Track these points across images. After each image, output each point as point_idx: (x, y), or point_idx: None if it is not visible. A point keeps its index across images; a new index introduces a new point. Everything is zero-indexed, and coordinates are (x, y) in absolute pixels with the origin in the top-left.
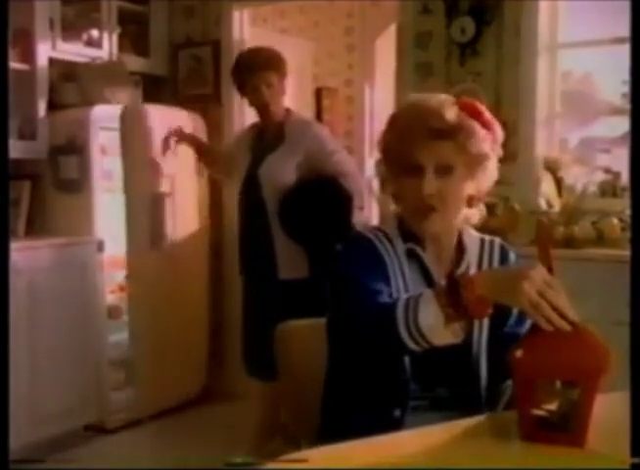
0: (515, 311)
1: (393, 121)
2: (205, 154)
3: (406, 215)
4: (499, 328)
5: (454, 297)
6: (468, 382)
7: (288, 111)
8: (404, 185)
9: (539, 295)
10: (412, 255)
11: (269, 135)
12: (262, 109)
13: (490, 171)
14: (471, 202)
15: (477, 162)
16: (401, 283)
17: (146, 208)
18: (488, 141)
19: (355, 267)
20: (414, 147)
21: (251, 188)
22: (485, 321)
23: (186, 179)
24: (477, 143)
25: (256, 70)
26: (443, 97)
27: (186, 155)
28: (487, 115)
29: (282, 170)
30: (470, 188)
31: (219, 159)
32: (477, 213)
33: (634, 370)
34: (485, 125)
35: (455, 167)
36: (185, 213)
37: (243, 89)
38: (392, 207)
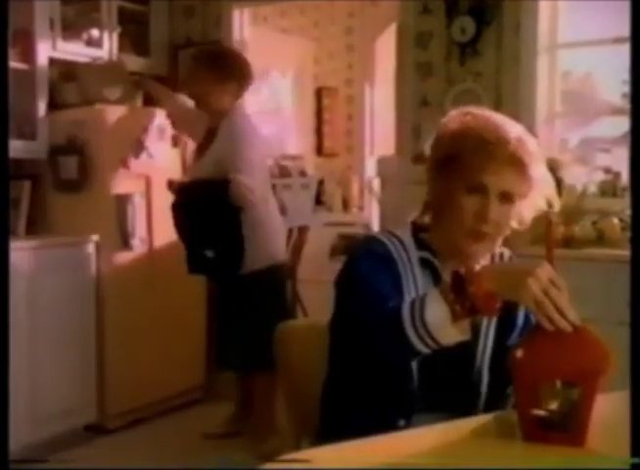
0: (519, 323)
1: (467, 136)
2: (168, 104)
3: (450, 231)
4: (504, 340)
5: (460, 293)
6: (468, 390)
7: (233, 109)
8: (461, 202)
9: (544, 293)
10: (426, 264)
11: (209, 135)
12: (201, 108)
13: (536, 203)
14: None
15: (529, 193)
16: (413, 290)
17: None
18: (544, 175)
19: (367, 270)
20: (487, 167)
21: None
22: (491, 332)
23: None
24: (539, 176)
25: (193, 68)
26: (519, 125)
27: (168, 155)
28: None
29: (202, 170)
30: (515, 218)
31: (185, 115)
32: None
33: (634, 370)
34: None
35: (516, 197)
36: (164, 213)
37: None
38: (416, 214)
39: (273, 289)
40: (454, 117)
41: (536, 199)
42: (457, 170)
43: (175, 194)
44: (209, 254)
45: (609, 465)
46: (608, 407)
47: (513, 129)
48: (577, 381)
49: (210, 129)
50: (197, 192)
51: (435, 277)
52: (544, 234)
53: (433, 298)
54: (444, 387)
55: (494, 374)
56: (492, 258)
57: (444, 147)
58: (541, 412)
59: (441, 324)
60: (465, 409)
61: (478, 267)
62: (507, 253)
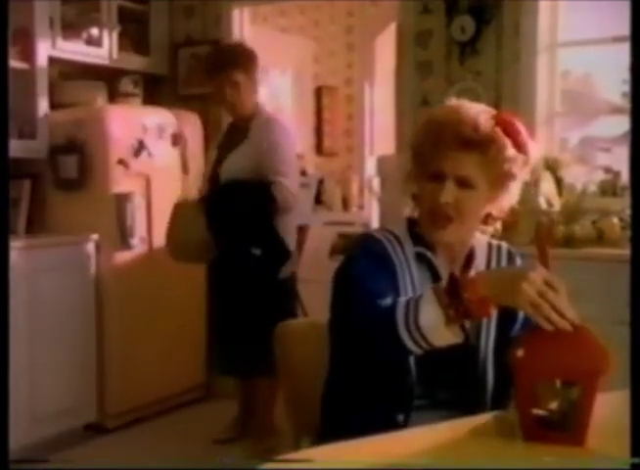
0: (521, 315)
1: (428, 123)
2: None
3: (422, 220)
4: (506, 332)
5: (455, 297)
6: (473, 385)
7: (258, 107)
8: (424, 189)
9: (539, 295)
10: (422, 258)
11: (235, 133)
12: (228, 108)
13: (512, 193)
14: (487, 219)
15: (500, 180)
16: (410, 286)
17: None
18: (518, 162)
19: (363, 268)
20: (441, 153)
21: (212, 187)
22: (493, 326)
23: (167, 178)
24: (504, 162)
25: (220, 69)
26: (482, 108)
27: (168, 154)
28: (524, 136)
29: (238, 168)
30: (490, 206)
31: None
32: (491, 228)
33: (634, 370)
34: (519, 146)
35: (477, 182)
36: (164, 213)
37: (212, 89)
38: (407, 210)
39: (292, 294)
40: (430, 110)
41: (511, 184)
42: (421, 159)
43: (209, 193)
44: (257, 252)
45: (609, 465)
46: (608, 407)
47: (469, 113)
48: (577, 380)
49: (236, 128)
50: (237, 192)
51: (432, 270)
52: (536, 236)
53: (427, 301)
54: (448, 384)
55: (499, 367)
56: (489, 248)
57: (415, 138)
58: (541, 412)
59: (435, 327)
60: (471, 407)
61: (473, 272)
62: (505, 245)
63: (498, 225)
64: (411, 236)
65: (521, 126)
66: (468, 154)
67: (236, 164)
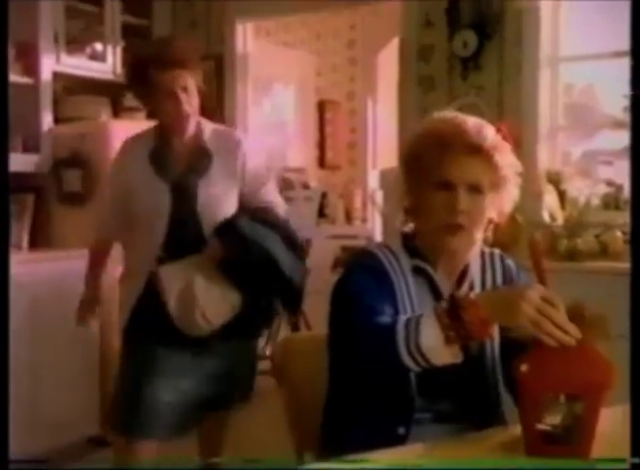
0: None
1: (429, 133)
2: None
3: (428, 231)
4: (508, 330)
5: (456, 318)
6: (476, 396)
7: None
8: (430, 200)
9: (538, 312)
10: (419, 271)
11: (181, 154)
12: (178, 122)
13: (513, 194)
14: (489, 224)
15: (501, 184)
16: (407, 300)
17: None
18: (517, 167)
19: (360, 285)
20: (450, 161)
21: (185, 230)
22: (496, 334)
23: None
24: (507, 165)
25: (169, 68)
26: (478, 119)
27: None
28: (512, 140)
29: (224, 200)
30: (493, 210)
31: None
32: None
33: (634, 369)
34: (518, 156)
35: (484, 187)
36: None
37: (148, 95)
38: (398, 222)
39: None
40: (423, 122)
41: (511, 188)
42: (422, 169)
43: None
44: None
45: (609, 466)
46: (610, 422)
47: (470, 121)
48: (581, 395)
49: (171, 149)
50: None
51: (430, 283)
52: (530, 253)
53: (427, 321)
54: (450, 395)
55: (505, 376)
56: (482, 256)
57: (411, 150)
58: (545, 427)
59: (435, 348)
60: (475, 419)
61: (468, 283)
62: (497, 252)
63: (489, 232)
64: (407, 249)
65: (509, 132)
66: (476, 160)
67: (219, 196)
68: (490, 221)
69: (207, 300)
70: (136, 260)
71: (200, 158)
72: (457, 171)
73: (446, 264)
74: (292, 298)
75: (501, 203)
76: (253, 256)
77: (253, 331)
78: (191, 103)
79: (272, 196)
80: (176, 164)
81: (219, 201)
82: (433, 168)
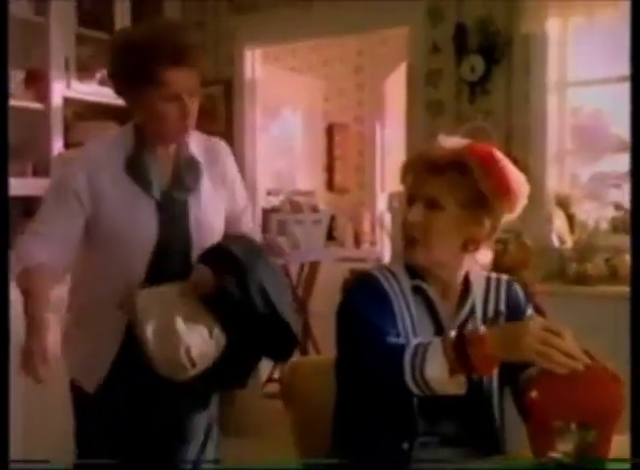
0: (502, 308)
1: (409, 157)
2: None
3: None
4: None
5: (462, 352)
6: (478, 419)
7: None
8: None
9: (543, 344)
10: (418, 291)
11: (166, 165)
12: (174, 132)
13: (489, 221)
14: (469, 245)
15: (472, 204)
16: (408, 320)
17: None
18: (490, 189)
19: (361, 304)
20: (412, 178)
21: (173, 256)
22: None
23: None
24: (472, 184)
25: (181, 65)
26: (459, 140)
27: None
28: (502, 167)
29: (216, 220)
30: (465, 231)
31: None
32: (487, 255)
33: (634, 369)
34: (492, 175)
35: (445, 203)
36: None
37: (142, 94)
38: (399, 244)
39: None
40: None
41: (488, 214)
42: (405, 190)
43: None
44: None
45: (610, 466)
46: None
47: (441, 141)
48: (593, 422)
49: (156, 158)
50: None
51: (428, 302)
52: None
53: (434, 353)
54: (453, 417)
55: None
56: (488, 281)
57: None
58: (556, 455)
59: (439, 379)
60: (478, 442)
61: (468, 307)
62: (504, 277)
63: (486, 259)
64: (408, 270)
65: (499, 159)
66: (435, 176)
67: (212, 210)
68: (469, 241)
69: (192, 336)
70: (105, 298)
71: (188, 169)
72: (417, 187)
73: (436, 284)
74: (285, 339)
75: (475, 224)
76: (249, 286)
77: (240, 379)
78: (194, 112)
79: (253, 221)
80: (162, 176)
81: (212, 221)
82: (406, 185)
